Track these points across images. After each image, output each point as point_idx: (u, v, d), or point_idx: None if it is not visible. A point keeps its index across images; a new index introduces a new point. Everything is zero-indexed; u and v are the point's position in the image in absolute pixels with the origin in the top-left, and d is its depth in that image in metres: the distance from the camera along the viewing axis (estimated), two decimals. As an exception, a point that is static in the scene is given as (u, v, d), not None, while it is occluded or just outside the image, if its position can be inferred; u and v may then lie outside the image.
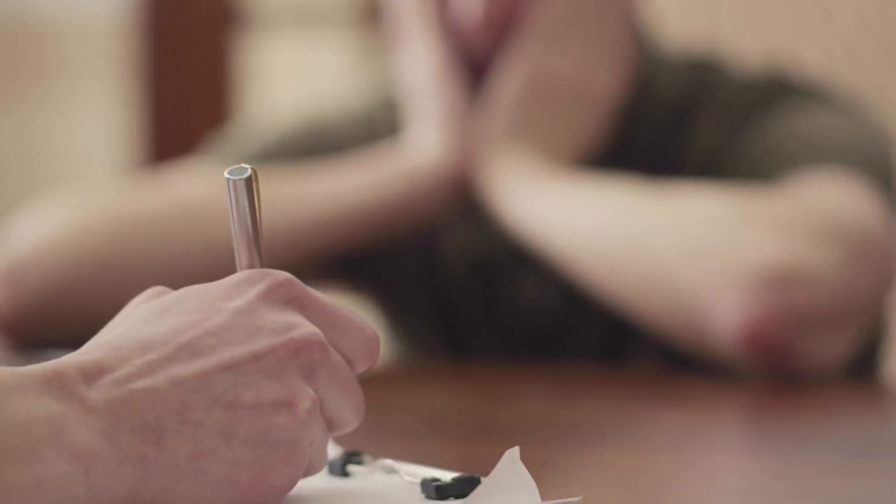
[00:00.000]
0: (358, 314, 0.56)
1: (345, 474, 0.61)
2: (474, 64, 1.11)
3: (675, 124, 1.13)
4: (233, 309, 0.52)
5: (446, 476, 0.56)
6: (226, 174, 0.54)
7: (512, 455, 0.52)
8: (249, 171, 0.54)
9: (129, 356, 0.50)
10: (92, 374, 0.49)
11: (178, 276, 1.08)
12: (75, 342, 1.04)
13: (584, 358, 1.13)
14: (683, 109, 1.14)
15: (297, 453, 0.52)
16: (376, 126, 1.19)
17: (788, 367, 0.96)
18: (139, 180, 1.20)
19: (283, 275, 0.54)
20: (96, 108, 2.67)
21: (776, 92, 1.13)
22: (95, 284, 1.07)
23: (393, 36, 1.17)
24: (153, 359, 0.50)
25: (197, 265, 1.07)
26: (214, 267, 1.08)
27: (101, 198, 1.14)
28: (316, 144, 1.18)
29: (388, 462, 0.60)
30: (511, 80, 1.10)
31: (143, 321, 0.52)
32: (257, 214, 0.55)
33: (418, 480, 0.57)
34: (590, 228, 1.03)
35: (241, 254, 0.55)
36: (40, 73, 2.71)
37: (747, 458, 0.77)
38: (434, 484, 0.55)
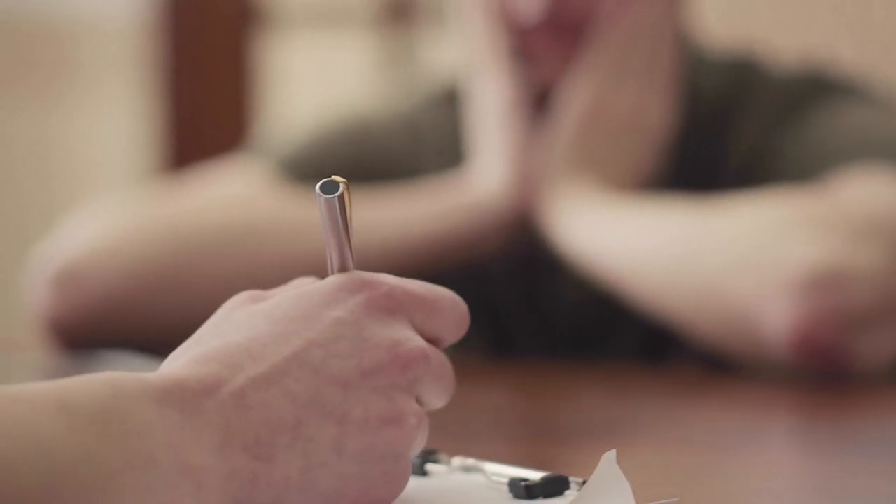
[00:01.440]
0: (447, 291, 0.57)
1: (423, 473, 0.60)
2: (538, 96, 1.13)
3: (717, 123, 1.14)
4: (335, 318, 0.52)
5: (533, 475, 0.56)
6: (318, 190, 0.54)
7: (609, 458, 0.52)
8: (342, 188, 0.54)
9: (242, 365, 0.50)
10: (210, 386, 0.49)
11: (238, 284, 1.08)
12: (126, 345, 1.05)
13: (628, 354, 1.13)
14: (725, 108, 1.15)
15: (402, 466, 0.52)
16: (417, 125, 1.19)
17: (840, 367, 0.96)
18: (187, 180, 1.20)
19: (382, 284, 0.53)
20: (115, 109, 2.67)
21: (817, 89, 1.13)
22: (150, 288, 1.07)
23: (470, 57, 1.17)
24: (265, 370, 0.50)
25: (258, 273, 1.07)
26: (279, 274, 1.08)
27: (154, 200, 1.13)
28: (358, 144, 1.18)
29: (470, 461, 0.60)
30: (571, 113, 1.11)
31: (246, 327, 0.52)
32: (349, 222, 0.55)
33: (505, 480, 0.57)
34: (642, 252, 1.04)
35: (333, 258, 0.55)
36: (58, 74, 2.71)
37: (797, 457, 0.76)
38: (523, 483, 0.55)
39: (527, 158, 1.12)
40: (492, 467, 0.58)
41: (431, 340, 0.55)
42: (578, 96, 1.11)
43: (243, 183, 1.15)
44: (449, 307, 0.57)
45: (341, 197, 0.54)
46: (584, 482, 0.56)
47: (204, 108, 2.44)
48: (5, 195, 2.70)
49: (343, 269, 0.55)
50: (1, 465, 0.44)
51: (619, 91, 1.11)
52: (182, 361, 0.51)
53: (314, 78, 2.52)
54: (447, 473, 0.60)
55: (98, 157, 2.72)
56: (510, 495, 0.56)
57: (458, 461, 0.61)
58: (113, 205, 1.13)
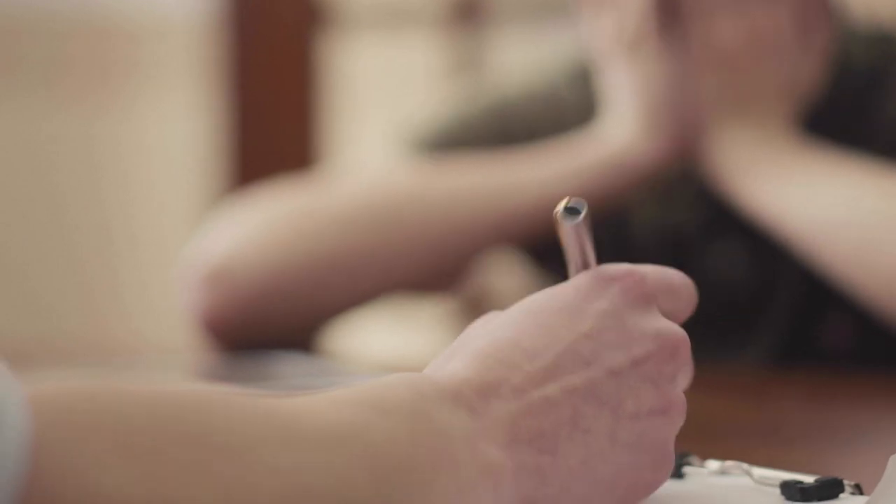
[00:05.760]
0: (674, 271, 0.59)
1: (680, 476, 0.62)
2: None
3: (867, 95, 1.12)
4: (598, 311, 0.54)
5: (805, 479, 0.58)
6: (560, 217, 0.54)
7: (894, 461, 0.54)
8: (583, 212, 0.54)
9: (518, 362, 0.52)
10: (493, 384, 0.51)
11: (390, 272, 1.09)
12: (281, 342, 1.06)
13: (774, 332, 1.12)
14: (876, 80, 1.13)
15: (668, 454, 0.54)
16: (559, 101, 1.18)
17: None
18: (331, 178, 1.21)
19: (630, 274, 0.55)
20: (177, 111, 2.68)
21: None
22: (303, 282, 1.07)
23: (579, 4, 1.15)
24: (542, 366, 0.52)
25: (409, 258, 1.08)
26: (427, 256, 1.09)
27: (298, 196, 1.14)
28: (501, 122, 1.17)
29: (729, 463, 0.62)
30: (695, 49, 1.07)
31: (511, 323, 0.54)
32: (591, 248, 0.56)
33: (773, 483, 0.58)
34: (835, 214, 1.00)
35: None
36: (116, 76, 2.72)
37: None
38: (798, 486, 0.57)
39: (660, 101, 1.07)
40: (759, 471, 0.60)
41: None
42: (699, 28, 1.06)
43: (388, 171, 1.15)
44: (681, 286, 0.59)
45: (584, 221, 0.54)
46: (856, 485, 0.58)
47: (268, 110, 2.45)
48: (55, 201, 2.70)
49: None
50: (339, 470, 0.44)
51: (736, 13, 1.06)
52: (459, 361, 0.52)
53: (382, 78, 2.53)
54: (706, 476, 0.62)
55: (162, 160, 2.73)
56: (782, 498, 0.57)
57: (713, 464, 0.62)
58: (262, 201, 1.14)
